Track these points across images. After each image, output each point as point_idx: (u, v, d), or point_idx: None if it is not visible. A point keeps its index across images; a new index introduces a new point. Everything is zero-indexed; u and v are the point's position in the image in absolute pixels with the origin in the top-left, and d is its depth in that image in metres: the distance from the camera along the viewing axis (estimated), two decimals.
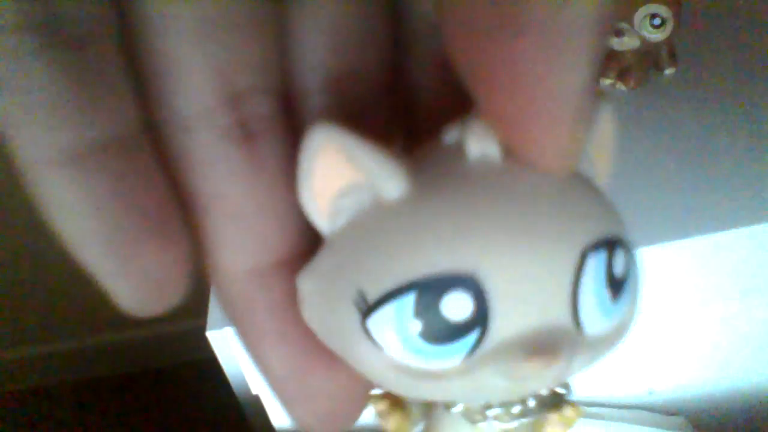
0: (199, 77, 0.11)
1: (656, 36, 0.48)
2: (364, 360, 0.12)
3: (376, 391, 0.14)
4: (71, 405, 1.28)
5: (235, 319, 0.13)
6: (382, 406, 0.15)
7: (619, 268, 0.12)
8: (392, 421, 0.15)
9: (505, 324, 0.11)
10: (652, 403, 0.50)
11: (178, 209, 0.12)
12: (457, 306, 0.11)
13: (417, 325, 0.11)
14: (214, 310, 0.42)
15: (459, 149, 0.12)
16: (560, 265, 0.11)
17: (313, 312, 0.12)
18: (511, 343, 0.11)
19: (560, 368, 0.11)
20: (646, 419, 0.49)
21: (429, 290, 0.11)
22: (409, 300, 0.11)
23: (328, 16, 0.12)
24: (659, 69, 0.53)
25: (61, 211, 0.11)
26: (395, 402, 0.15)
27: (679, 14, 0.48)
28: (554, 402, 0.19)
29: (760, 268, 0.42)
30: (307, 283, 0.12)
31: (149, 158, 0.11)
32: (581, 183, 0.12)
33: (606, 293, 0.12)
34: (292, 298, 0.12)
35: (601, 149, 0.13)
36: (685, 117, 0.49)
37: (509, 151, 0.12)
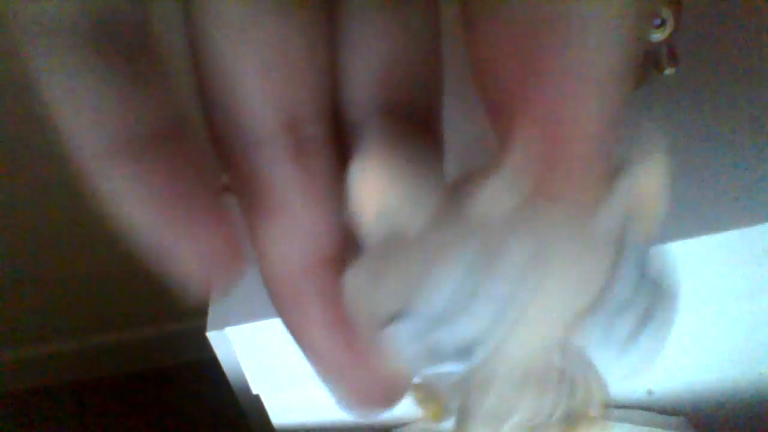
0: (262, 108, 0.13)
1: (656, 36, 0.48)
2: (381, 355, 0.14)
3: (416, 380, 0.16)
4: (71, 405, 1.28)
5: (281, 306, 0.15)
6: (420, 394, 0.16)
7: None
8: (428, 409, 0.16)
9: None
10: (652, 403, 0.50)
11: (224, 194, 0.13)
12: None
13: (414, 346, 0.13)
14: (214, 311, 0.42)
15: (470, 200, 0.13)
16: None
17: (350, 306, 0.14)
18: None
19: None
20: (646, 419, 0.49)
21: (419, 323, 0.13)
22: (405, 327, 0.13)
23: (378, 51, 0.13)
24: (659, 69, 0.53)
25: (116, 197, 0.12)
26: (432, 392, 0.16)
27: (679, 14, 0.48)
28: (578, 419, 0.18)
29: (760, 268, 0.42)
30: (349, 281, 0.14)
31: (192, 148, 0.13)
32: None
33: None
34: (335, 289, 0.14)
35: (647, 203, 0.14)
36: (685, 117, 0.49)
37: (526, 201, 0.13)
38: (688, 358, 0.48)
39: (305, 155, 0.13)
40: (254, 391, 0.44)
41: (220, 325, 0.40)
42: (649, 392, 0.49)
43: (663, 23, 0.47)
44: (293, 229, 0.14)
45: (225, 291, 0.14)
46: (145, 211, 0.12)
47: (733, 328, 0.47)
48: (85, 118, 0.12)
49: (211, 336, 0.41)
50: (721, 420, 0.52)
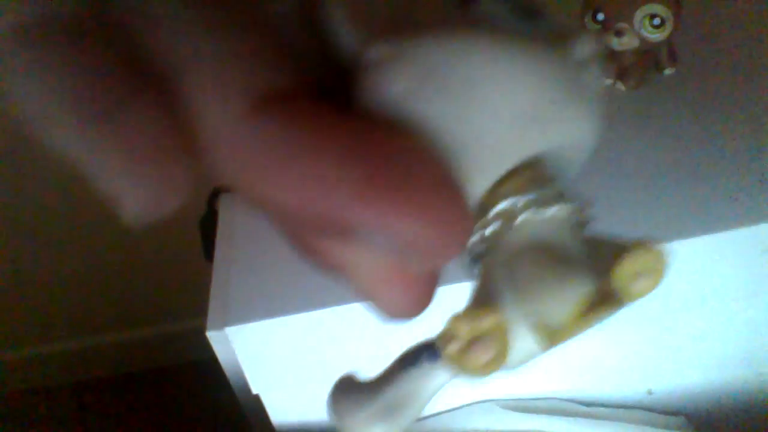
0: None
1: (656, 36, 0.48)
2: None
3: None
4: (71, 405, 1.28)
5: (235, 172, 0.12)
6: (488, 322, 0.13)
7: None
8: (494, 347, 0.13)
9: None
10: (652, 403, 0.50)
11: (148, 83, 0.12)
12: None
13: None
14: (214, 310, 0.42)
15: None
16: None
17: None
18: None
19: None
20: (646, 419, 0.49)
21: None
22: None
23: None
24: (659, 69, 0.53)
25: (23, 87, 0.11)
26: (487, 314, 0.13)
27: (679, 14, 0.48)
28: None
29: (760, 268, 0.42)
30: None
31: (102, 38, 0.12)
32: None
33: None
34: (279, 130, 0.12)
35: None
36: (685, 117, 0.49)
37: None
38: (688, 358, 0.48)
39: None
40: (254, 391, 0.44)
41: (220, 325, 0.40)
42: (649, 392, 0.49)
43: (663, 23, 0.47)
44: (212, 80, 0.12)
45: (163, 211, 0.12)
46: (59, 112, 0.11)
47: (733, 328, 0.47)
48: (52, 90, 0.11)
49: (211, 336, 0.41)
50: (721, 420, 0.52)
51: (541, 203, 0.14)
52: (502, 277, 0.14)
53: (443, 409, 0.49)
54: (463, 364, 0.13)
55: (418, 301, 0.13)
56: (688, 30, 0.52)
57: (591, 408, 0.48)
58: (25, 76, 0.11)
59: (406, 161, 0.12)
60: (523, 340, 0.13)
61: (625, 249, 0.13)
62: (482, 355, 0.13)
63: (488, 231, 0.14)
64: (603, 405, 0.49)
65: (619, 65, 0.52)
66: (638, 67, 0.52)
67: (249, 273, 0.43)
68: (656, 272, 0.13)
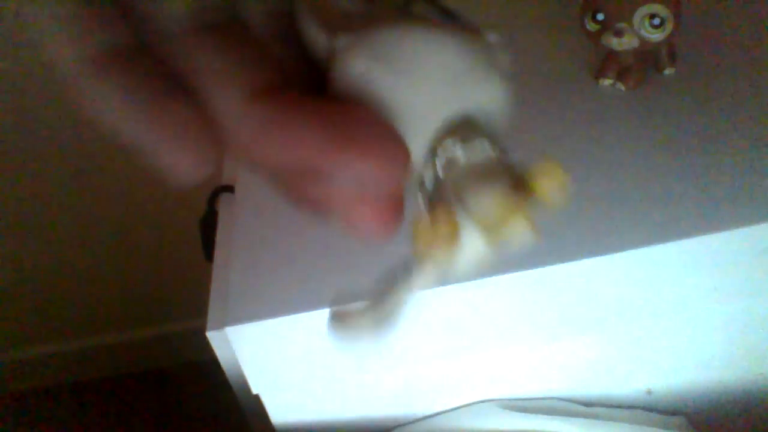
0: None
1: (656, 36, 0.48)
2: None
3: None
4: (71, 405, 1.28)
5: (243, 142, 0.17)
6: (427, 221, 0.18)
7: None
8: (443, 232, 0.18)
9: None
10: (652, 403, 0.50)
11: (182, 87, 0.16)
12: None
13: None
14: (214, 310, 0.42)
15: None
16: None
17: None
18: None
19: None
20: (646, 419, 0.49)
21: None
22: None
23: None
24: (659, 69, 0.53)
25: (99, 103, 0.16)
26: (439, 209, 0.18)
27: (679, 14, 0.48)
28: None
29: (760, 268, 0.42)
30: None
31: (144, 57, 0.16)
32: None
33: None
34: (272, 111, 0.16)
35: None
36: (685, 117, 0.49)
37: None
38: (688, 358, 0.48)
39: (215, 28, 0.17)
40: (254, 391, 0.44)
41: (220, 325, 0.40)
42: (649, 392, 0.49)
43: (662, 23, 0.47)
44: (227, 69, 0.16)
45: (200, 176, 0.17)
46: (126, 114, 0.16)
47: (734, 328, 0.47)
48: (58, 27, 0.15)
49: (211, 336, 0.41)
50: (721, 420, 0.52)
51: (473, 142, 0.18)
52: (449, 193, 0.18)
53: (443, 409, 0.49)
54: (428, 251, 0.18)
55: (386, 221, 0.18)
56: (688, 30, 0.52)
57: (591, 408, 0.48)
58: (96, 87, 0.16)
59: (361, 122, 0.17)
60: (471, 237, 0.18)
61: (534, 162, 0.17)
62: (442, 244, 0.18)
63: (437, 166, 0.19)
64: (603, 405, 0.49)
65: (619, 65, 0.52)
66: (638, 67, 0.52)
67: (249, 273, 0.43)
68: (560, 179, 0.17)
